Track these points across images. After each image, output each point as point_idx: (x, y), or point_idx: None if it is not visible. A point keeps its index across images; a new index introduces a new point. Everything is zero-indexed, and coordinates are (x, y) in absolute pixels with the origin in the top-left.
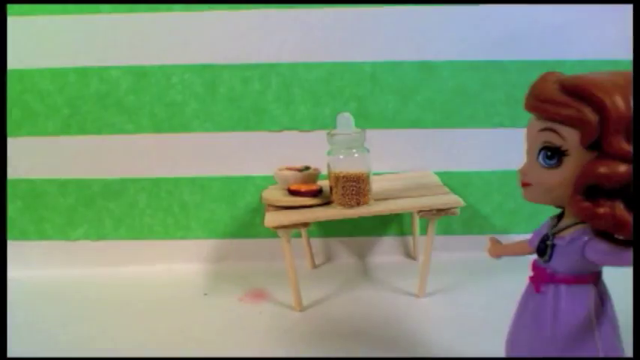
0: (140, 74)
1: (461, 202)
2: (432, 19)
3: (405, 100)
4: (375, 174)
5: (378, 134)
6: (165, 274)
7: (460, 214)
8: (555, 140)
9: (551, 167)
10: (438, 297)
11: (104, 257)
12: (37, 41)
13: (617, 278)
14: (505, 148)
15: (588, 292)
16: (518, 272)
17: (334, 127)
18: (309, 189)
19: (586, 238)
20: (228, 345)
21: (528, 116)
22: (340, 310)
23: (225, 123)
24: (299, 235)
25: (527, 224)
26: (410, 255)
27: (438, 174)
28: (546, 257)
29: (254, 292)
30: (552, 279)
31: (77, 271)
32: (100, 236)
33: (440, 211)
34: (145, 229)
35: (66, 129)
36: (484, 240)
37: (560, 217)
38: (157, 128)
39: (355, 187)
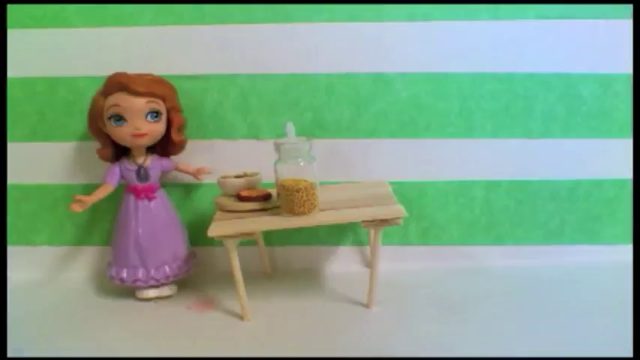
0: None
1: (403, 212)
2: (385, 33)
3: (360, 110)
4: (330, 183)
5: (333, 144)
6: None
7: (417, 225)
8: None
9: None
10: (388, 307)
11: (65, 262)
12: (10, 53)
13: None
14: (459, 158)
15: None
16: (467, 283)
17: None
18: (260, 194)
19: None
20: (170, 353)
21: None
22: (289, 320)
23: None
24: (253, 243)
25: (485, 235)
26: (367, 264)
27: (394, 184)
28: (148, 179)
29: (202, 301)
30: (153, 189)
31: (39, 275)
32: (62, 242)
33: (383, 221)
34: (105, 235)
35: (32, 135)
36: (441, 250)
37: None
38: None
39: (301, 196)
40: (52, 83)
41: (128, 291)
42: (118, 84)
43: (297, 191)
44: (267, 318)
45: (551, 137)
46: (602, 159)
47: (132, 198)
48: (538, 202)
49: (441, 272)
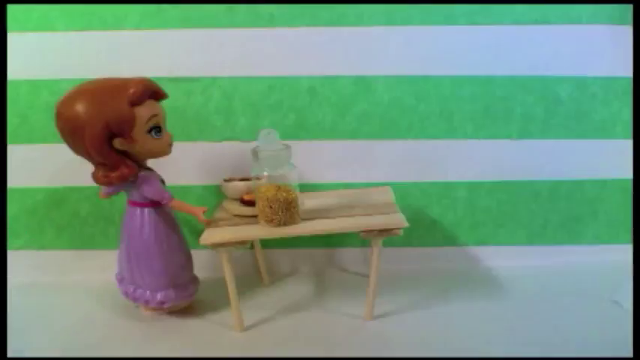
0: None
1: (404, 222)
2: (366, 37)
3: (342, 112)
4: (313, 185)
5: (316, 145)
6: (102, 284)
7: None
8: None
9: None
10: (376, 309)
11: (45, 267)
12: None
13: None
14: (442, 159)
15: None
16: (451, 284)
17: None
18: None
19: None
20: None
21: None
22: (284, 331)
23: None
24: (250, 248)
25: (468, 235)
26: (367, 262)
27: (375, 184)
28: None
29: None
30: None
31: (17, 280)
32: (41, 246)
33: (382, 231)
34: (86, 239)
35: (14, 138)
36: (425, 252)
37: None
38: None
39: (281, 205)
40: (35, 86)
41: (112, 294)
42: (149, 90)
43: (280, 200)
44: (261, 328)
45: (531, 138)
46: (581, 159)
47: (145, 211)
48: (520, 202)
49: (425, 274)
